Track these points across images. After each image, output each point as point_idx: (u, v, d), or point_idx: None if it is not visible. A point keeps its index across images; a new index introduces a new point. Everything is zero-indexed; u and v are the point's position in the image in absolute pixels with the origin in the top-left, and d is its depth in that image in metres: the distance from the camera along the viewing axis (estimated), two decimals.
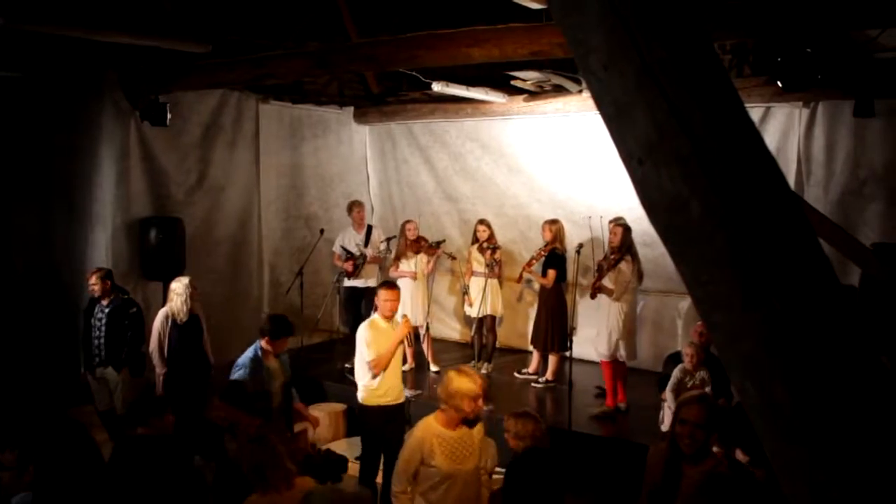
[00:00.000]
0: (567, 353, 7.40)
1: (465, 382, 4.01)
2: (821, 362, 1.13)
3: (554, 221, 8.05)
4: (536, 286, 8.46)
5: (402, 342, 5.77)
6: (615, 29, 1.17)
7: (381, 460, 5.72)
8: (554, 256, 7.90)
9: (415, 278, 8.41)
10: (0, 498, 3.40)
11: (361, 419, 5.92)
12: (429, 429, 4.09)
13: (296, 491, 3.64)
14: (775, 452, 1.20)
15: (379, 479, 5.74)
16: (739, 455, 5.74)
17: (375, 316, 5.77)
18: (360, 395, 5.74)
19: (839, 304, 1.16)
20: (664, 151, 1.16)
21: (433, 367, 8.41)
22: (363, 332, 5.66)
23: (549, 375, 7.97)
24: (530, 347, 8.39)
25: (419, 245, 8.37)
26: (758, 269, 1.14)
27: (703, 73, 1.18)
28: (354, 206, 8.99)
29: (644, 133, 1.18)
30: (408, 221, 8.64)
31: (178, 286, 6.73)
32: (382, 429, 5.66)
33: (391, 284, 5.96)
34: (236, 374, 5.34)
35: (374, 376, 5.58)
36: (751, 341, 1.16)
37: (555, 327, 7.85)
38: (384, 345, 5.58)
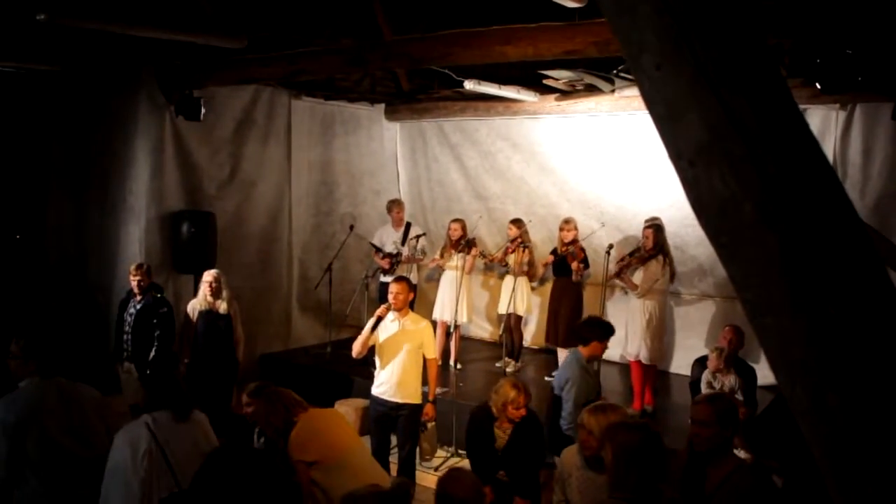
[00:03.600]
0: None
1: (593, 417, 3.61)
2: (874, 369, 1.11)
3: (570, 219, 8.12)
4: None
5: (396, 328, 5.83)
6: (669, 28, 1.16)
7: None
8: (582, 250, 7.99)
9: (442, 269, 8.49)
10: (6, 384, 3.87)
11: None
12: (571, 454, 3.79)
13: (311, 414, 4.26)
14: (825, 459, 1.18)
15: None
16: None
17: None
18: None
19: (893, 310, 1.14)
20: (717, 153, 1.15)
21: (457, 366, 8.44)
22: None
23: None
24: (555, 347, 8.40)
25: (459, 244, 8.41)
26: (811, 273, 1.12)
27: (758, 74, 1.17)
28: (394, 206, 9.03)
29: (696, 134, 1.17)
30: (454, 220, 8.66)
31: (204, 276, 6.88)
32: (382, 418, 5.84)
33: (399, 278, 6.13)
34: (570, 390, 5.06)
35: (354, 355, 5.85)
36: (802, 346, 1.15)
37: (575, 322, 7.91)
38: (381, 334, 5.81)
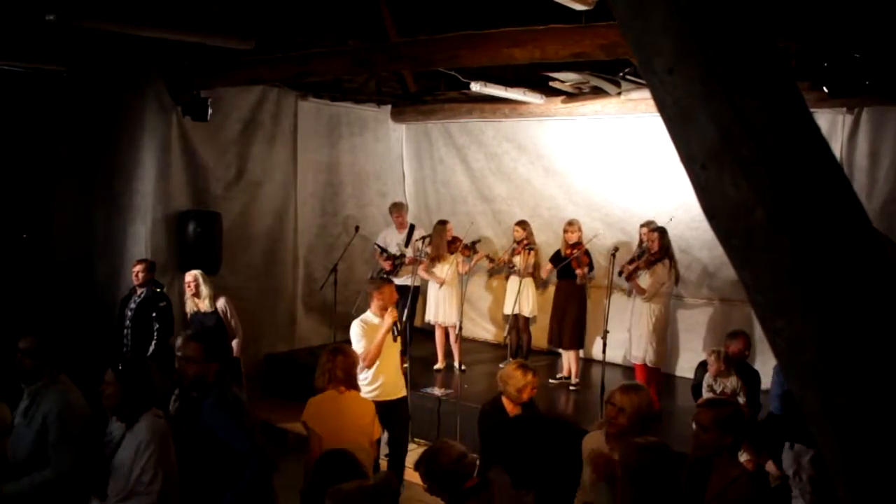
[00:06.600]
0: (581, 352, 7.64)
1: (625, 396, 3.63)
2: (884, 372, 1.12)
3: (574, 221, 8.14)
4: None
5: (391, 334, 5.72)
6: (681, 32, 1.17)
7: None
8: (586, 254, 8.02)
9: (441, 284, 8.45)
10: None
11: None
12: (595, 438, 3.72)
13: (346, 396, 4.53)
14: (835, 462, 1.18)
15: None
16: (770, 467, 5.69)
17: (368, 312, 5.83)
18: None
19: None
20: (729, 156, 1.16)
21: (461, 367, 8.44)
22: (354, 328, 5.73)
23: (575, 376, 8.00)
24: (558, 349, 8.40)
25: (455, 246, 8.38)
26: (822, 277, 1.13)
27: (769, 78, 1.18)
28: (395, 209, 9.03)
29: (708, 137, 1.17)
30: (446, 222, 8.63)
31: (185, 278, 7.02)
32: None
33: (384, 280, 6.12)
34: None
35: (365, 368, 5.61)
36: (812, 349, 1.15)
37: (580, 324, 7.98)
38: (373, 339, 5.65)
